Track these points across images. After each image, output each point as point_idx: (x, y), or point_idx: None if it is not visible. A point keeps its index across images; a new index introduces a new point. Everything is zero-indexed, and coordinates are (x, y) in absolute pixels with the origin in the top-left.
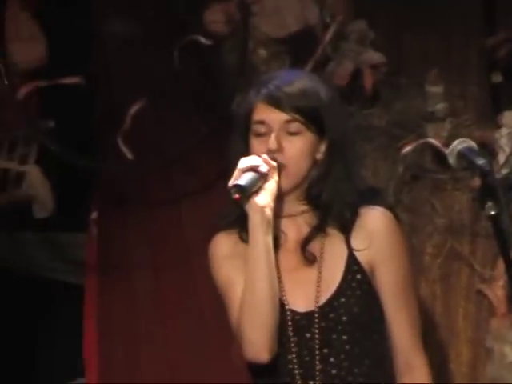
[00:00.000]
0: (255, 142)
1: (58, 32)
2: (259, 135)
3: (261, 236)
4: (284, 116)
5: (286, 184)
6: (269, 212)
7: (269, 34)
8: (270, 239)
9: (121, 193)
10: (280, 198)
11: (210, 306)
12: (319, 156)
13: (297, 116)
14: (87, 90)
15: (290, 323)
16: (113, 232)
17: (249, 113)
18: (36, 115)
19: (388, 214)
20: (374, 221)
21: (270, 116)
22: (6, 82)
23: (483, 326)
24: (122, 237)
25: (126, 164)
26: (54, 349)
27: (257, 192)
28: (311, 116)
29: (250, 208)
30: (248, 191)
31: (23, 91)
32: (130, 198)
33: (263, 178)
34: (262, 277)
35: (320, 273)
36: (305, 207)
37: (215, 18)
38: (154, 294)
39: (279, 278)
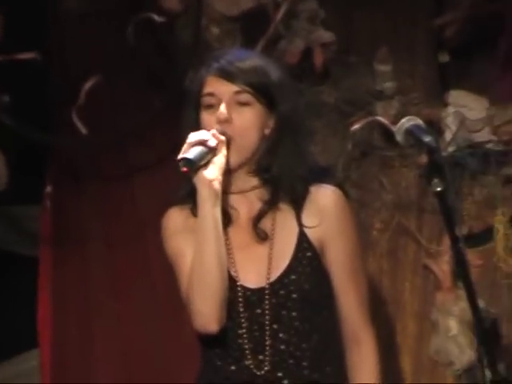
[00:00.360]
0: (205, 114)
1: (13, 7)
2: (209, 107)
3: (209, 208)
4: (233, 87)
5: (235, 157)
6: (217, 185)
7: (222, 12)
8: (218, 212)
9: (75, 167)
10: (230, 173)
11: (162, 280)
12: (267, 131)
13: (246, 87)
14: (42, 65)
15: (240, 299)
16: (67, 205)
17: (200, 87)
18: None
19: (338, 192)
20: (324, 199)
21: (219, 88)
22: None
23: (429, 300)
24: (76, 210)
25: (80, 139)
26: (8, 319)
27: (205, 165)
28: (260, 88)
29: (198, 181)
30: (196, 164)
31: None
32: (85, 172)
33: (212, 152)
34: (210, 248)
35: (271, 249)
36: (256, 182)
37: None
38: (107, 266)
39: (231, 254)
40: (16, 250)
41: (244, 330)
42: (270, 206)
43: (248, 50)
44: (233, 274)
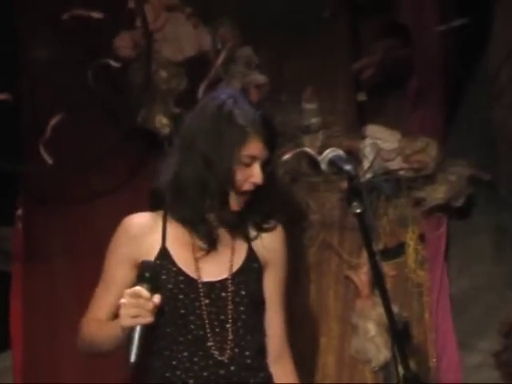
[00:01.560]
0: (241, 170)
1: None
2: (247, 165)
3: (120, 332)
4: (266, 153)
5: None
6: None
7: (169, 58)
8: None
9: (43, 192)
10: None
11: None
12: None
13: (271, 147)
14: (13, 104)
15: (202, 293)
16: (36, 226)
17: (242, 143)
18: None
19: (283, 232)
20: (278, 234)
21: (261, 151)
22: None
23: (350, 306)
24: (44, 230)
25: (47, 167)
26: None
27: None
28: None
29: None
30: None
31: None
32: (51, 196)
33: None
34: (108, 346)
35: (232, 255)
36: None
37: (123, 44)
38: (71, 277)
39: (197, 261)
40: None
41: (206, 321)
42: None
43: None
44: (193, 275)
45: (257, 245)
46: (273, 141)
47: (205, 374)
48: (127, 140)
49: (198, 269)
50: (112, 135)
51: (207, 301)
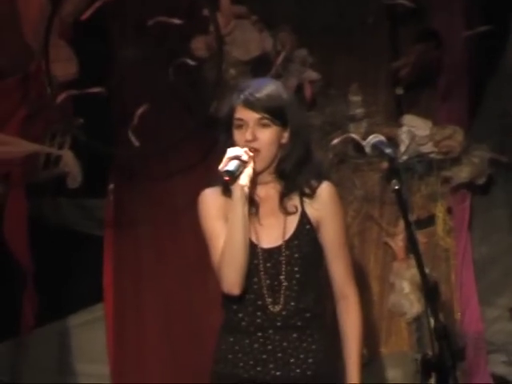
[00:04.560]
0: (237, 133)
1: (86, 55)
2: (239, 127)
3: (240, 207)
4: (256, 115)
5: (261, 164)
6: (246, 190)
7: (237, 58)
8: (246, 209)
9: (130, 170)
10: (256, 173)
11: (193, 251)
12: (284, 140)
13: (265, 115)
14: (106, 96)
15: (260, 257)
16: (124, 198)
17: (231, 112)
18: (70, 115)
19: (332, 187)
20: (322, 191)
21: (246, 115)
22: (49, 91)
23: (388, 267)
24: (130, 202)
25: (134, 149)
26: (81, 281)
27: (239, 175)
28: (276, 113)
29: (234, 186)
30: (235, 174)
31: (61, 97)
32: (137, 173)
33: (244, 164)
34: (239, 236)
35: (285, 221)
36: (274, 178)
37: (199, 46)
38: (153, 242)
39: (255, 226)
40: (88, 231)
41: (263, 281)
42: (285, 193)
43: (265, 79)
44: (254, 240)
45: (307, 207)
46: (263, 106)
47: (264, 323)
48: (201, 127)
49: (257, 236)
50: (188, 123)
51: (267, 264)
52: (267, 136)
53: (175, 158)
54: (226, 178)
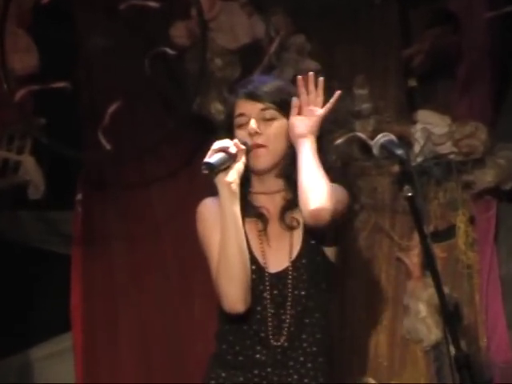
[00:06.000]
0: (239, 133)
1: (48, 44)
2: (241, 126)
3: (228, 206)
4: (259, 105)
5: (267, 161)
6: (234, 187)
7: (223, 46)
8: (236, 209)
9: (101, 178)
10: (261, 175)
11: (175, 271)
12: None
13: (270, 104)
14: (72, 92)
15: (267, 283)
16: (94, 210)
17: (232, 110)
18: (30, 114)
19: (345, 192)
20: None
21: (248, 108)
22: (5, 86)
23: (401, 287)
24: (102, 214)
25: (105, 154)
26: (44, 307)
27: (226, 170)
28: (282, 103)
29: (219, 183)
30: (216, 168)
31: (19, 94)
32: (109, 181)
33: (232, 158)
34: (232, 241)
35: (291, 238)
36: (281, 185)
37: (179, 33)
38: (128, 260)
39: (261, 245)
40: (53, 248)
41: (268, 310)
42: (291, 205)
43: (268, 75)
44: (262, 264)
45: None
46: (268, 96)
47: (263, 358)
48: (183, 127)
49: (265, 258)
50: (168, 122)
51: (274, 292)
52: (273, 130)
53: (153, 164)
54: (205, 172)
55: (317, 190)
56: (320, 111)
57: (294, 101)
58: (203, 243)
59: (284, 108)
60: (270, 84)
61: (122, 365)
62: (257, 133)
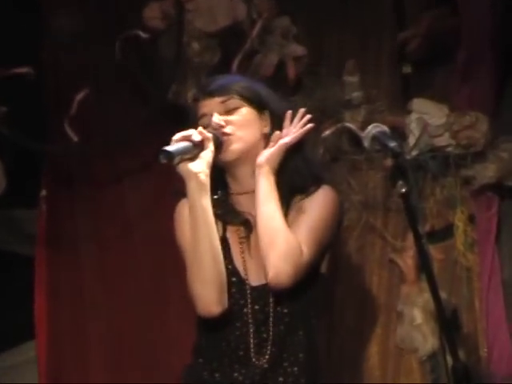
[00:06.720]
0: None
1: (9, 25)
2: (207, 127)
3: (196, 199)
4: (218, 99)
5: (236, 149)
6: (203, 177)
7: (201, 29)
8: (206, 201)
9: (68, 172)
10: (236, 176)
11: (149, 274)
12: (266, 130)
13: (230, 95)
14: (36, 78)
15: (248, 297)
16: (61, 208)
17: (197, 114)
18: None
19: (332, 192)
20: (317, 196)
21: (207, 106)
22: None
23: (395, 292)
24: (69, 212)
25: (72, 146)
26: (6, 314)
27: (192, 159)
28: (245, 92)
29: (184, 174)
30: (176, 157)
31: None
32: (77, 177)
33: (198, 147)
34: (201, 236)
35: None
36: None
37: (153, 15)
38: (98, 262)
39: (243, 254)
40: (14, 249)
41: (250, 327)
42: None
43: (232, 75)
44: (243, 276)
45: (292, 219)
46: (227, 88)
47: (241, 378)
48: (157, 117)
49: (246, 270)
50: (141, 112)
51: (255, 307)
52: (238, 117)
53: (125, 157)
54: (164, 161)
55: (273, 248)
56: (283, 140)
57: (276, 134)
58: (180, 246)
59: (249, 97)
60: (230, 79)
61: (90, 377)
62: (221, 126)
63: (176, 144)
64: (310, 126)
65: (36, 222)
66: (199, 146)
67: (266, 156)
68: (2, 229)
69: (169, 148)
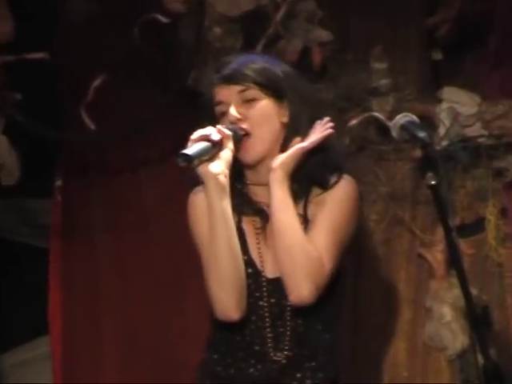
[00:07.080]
0: (222, 122)
1: (25, 10)
2: (222, 114)
3: (216, 202)
4: (236, 88)
5: (256, 151)
6: (223, 179)
7: (223, 13)
8: (226, 204)
9: (83, 161)
10: (256, 166)
11: (164, 265)
12: (285, 119)
13: (249, 84)
14: (52, 64)
15: (264, 289)
16: (76, 198)
17: (211, 100)
18: (3, 88)
19: (352, 183)
20: (337, 188)
21: (225, 93)
22: None
23: (423, 288)
24: (84, 202)
25: (88, 134)
26: (20, 307)
27: (211, 160)
28: (263, 81)
29: (204, 175)
30: (195, 159)
31: None
32: (92, 166)
33: (217, 146)
34: (221, 239)
35: None
36: None
37: None
38: (113, 254)
39: (259, 246)
40: (27, 240)
41: (265, 320)
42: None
43: (250, 54)
44: (259, 267)
45: (312, 211)
46: (243, 74)
47: (257, 374)
48: (176, 104)
49: (262, 261)
50: (159, 99)
51: (271, 300)
52: (257, 112)
53: (142, 146)
54: (182, 164)
55: (293, 266)
56: (301, 144)
57: (296, 140)
58: (194, 238)
59: (268, 87)
60: (248, 63)
61: (105, 373)
62: (239, 120)
63: (194, 145)
64: (329, 131)
65: (50, 213)
66: (218, 145)
67: (281, 160)
68: (15, 219)
69: (187, 151)
